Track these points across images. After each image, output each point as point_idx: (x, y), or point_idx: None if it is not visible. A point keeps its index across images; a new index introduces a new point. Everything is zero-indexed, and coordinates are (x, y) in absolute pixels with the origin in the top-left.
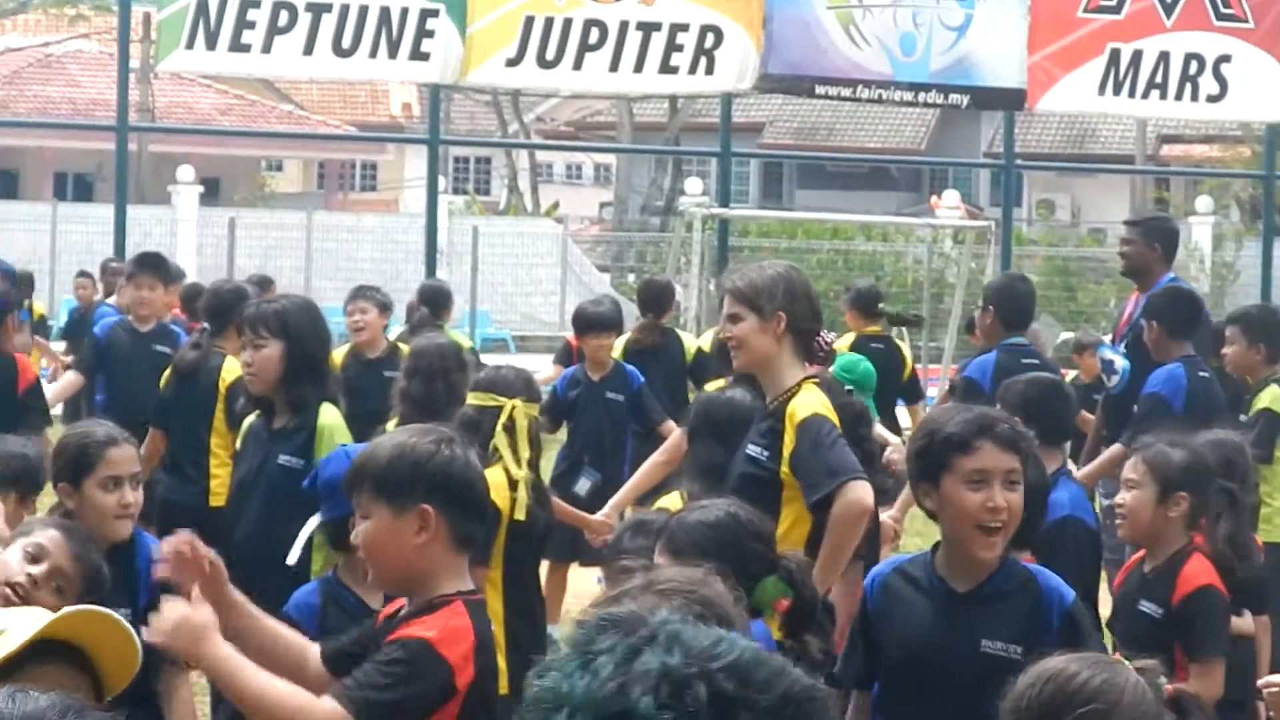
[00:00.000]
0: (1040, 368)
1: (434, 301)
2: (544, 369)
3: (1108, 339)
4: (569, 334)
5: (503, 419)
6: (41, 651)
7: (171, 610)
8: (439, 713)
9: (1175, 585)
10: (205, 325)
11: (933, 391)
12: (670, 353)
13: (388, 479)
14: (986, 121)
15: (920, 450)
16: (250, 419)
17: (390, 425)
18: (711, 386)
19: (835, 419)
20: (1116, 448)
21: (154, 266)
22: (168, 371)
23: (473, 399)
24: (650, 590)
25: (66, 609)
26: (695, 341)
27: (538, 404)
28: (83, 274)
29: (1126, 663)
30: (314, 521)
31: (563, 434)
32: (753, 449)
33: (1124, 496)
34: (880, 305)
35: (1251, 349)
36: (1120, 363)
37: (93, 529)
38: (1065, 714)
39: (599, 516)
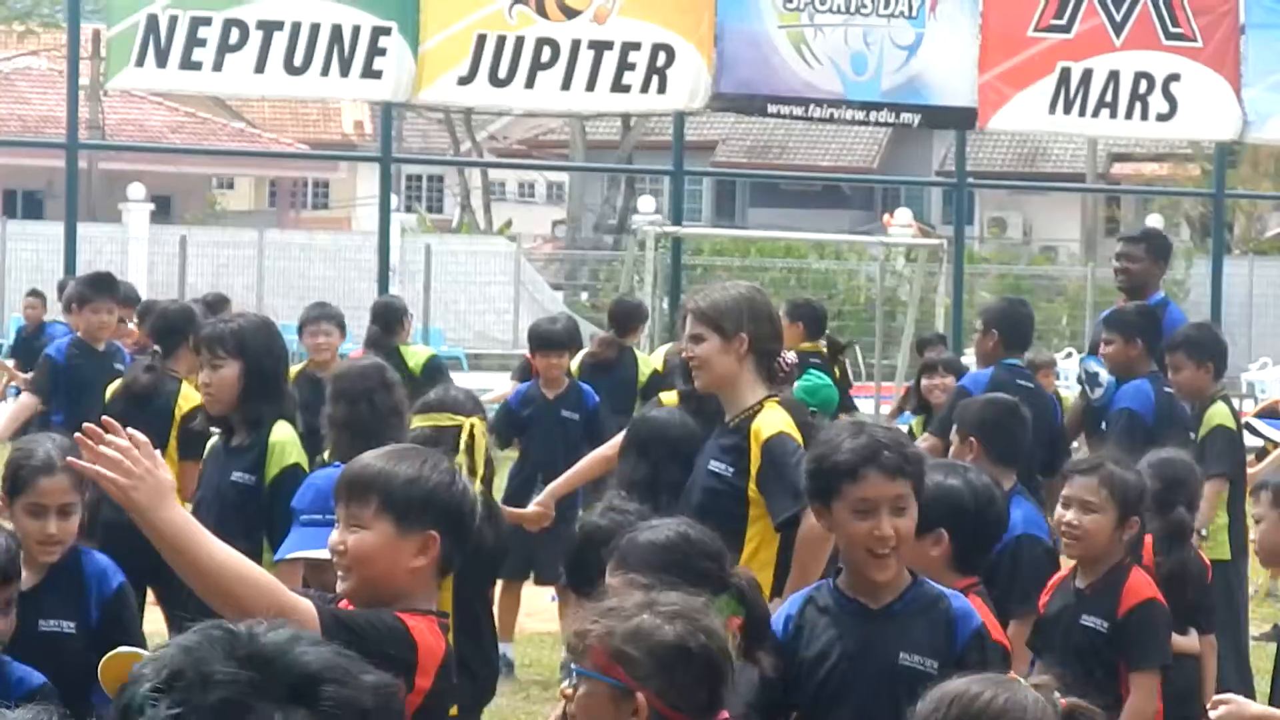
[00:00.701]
0: (1035, 391)
1: (384, 318)
2: (499, 386)
3: (1079, 353)
4: (525, 351)
5: (464, 437)
6: None
7: (136, 466)
8: None
9: (1120, 599)
10: (155, 348)
11: (886, 409)
12: (624, 370)
13: (401, 499)
14: (938, 140)
15: (811, 473)
16: (214, 440)
17: (327, 455)
18: (668, 399)
19: (800, 438)
20: None
21: (110, 288)
22: (113, 388)
23: (426, 420)
24: (653, 610)
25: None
26: (653, 363)
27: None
28: (33, 293)
29: (1022, 680)
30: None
31: (512, 452)
32: (716, 465)
33: (1080, 518)
34: (828, 333)
35: (1200, 370)
36: (1105, 375)
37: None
38: None
39: (533, 506)
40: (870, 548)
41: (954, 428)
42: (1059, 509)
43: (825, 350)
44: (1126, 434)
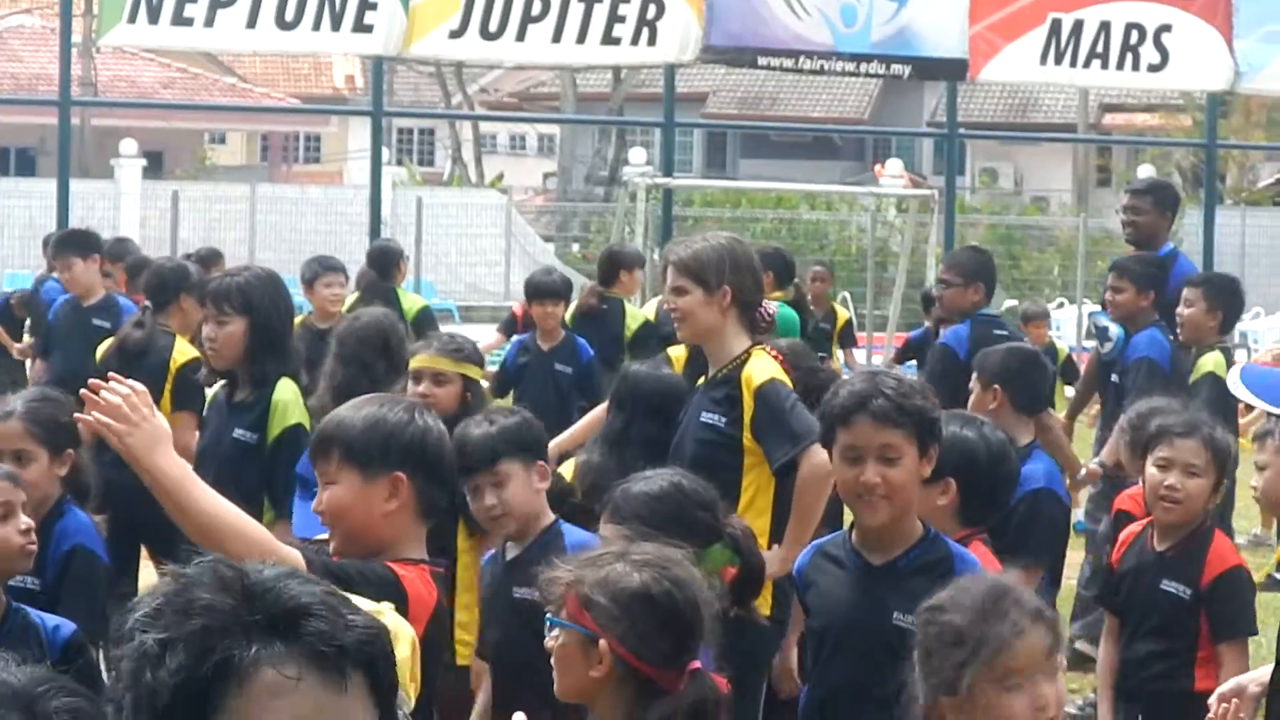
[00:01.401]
0: (1010, 339)
1: (380, 263)
2: (488, 338)
3: (1094, 307)
4: (514, 304)
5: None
6: None
7: (134, 414)
8: None
9: (1204, 565)
10: (147, 303)
11: (878, 359)
12: (611, 321)
13: (358, 445)
14: (929, 91)
15: (820, 414)
16: (215, 390)
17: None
18: (676, 355)
19: (790, 383)
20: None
21: (71, 244)
22: (106, 346)
23: (427, 362)
24: (625, 559)
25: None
26: (643, 314)
27: (483, 373)
28: None
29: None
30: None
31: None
32: (708, 416)
33: (1184, 482)
34: (795, 281)
35: (1210, 314)
36: (1115, 329)
37: None
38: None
39: None
40: (856, 494)
41: (974, 377)
42: (1153, 471)
43: (793, 299)
44: (1148, 383)
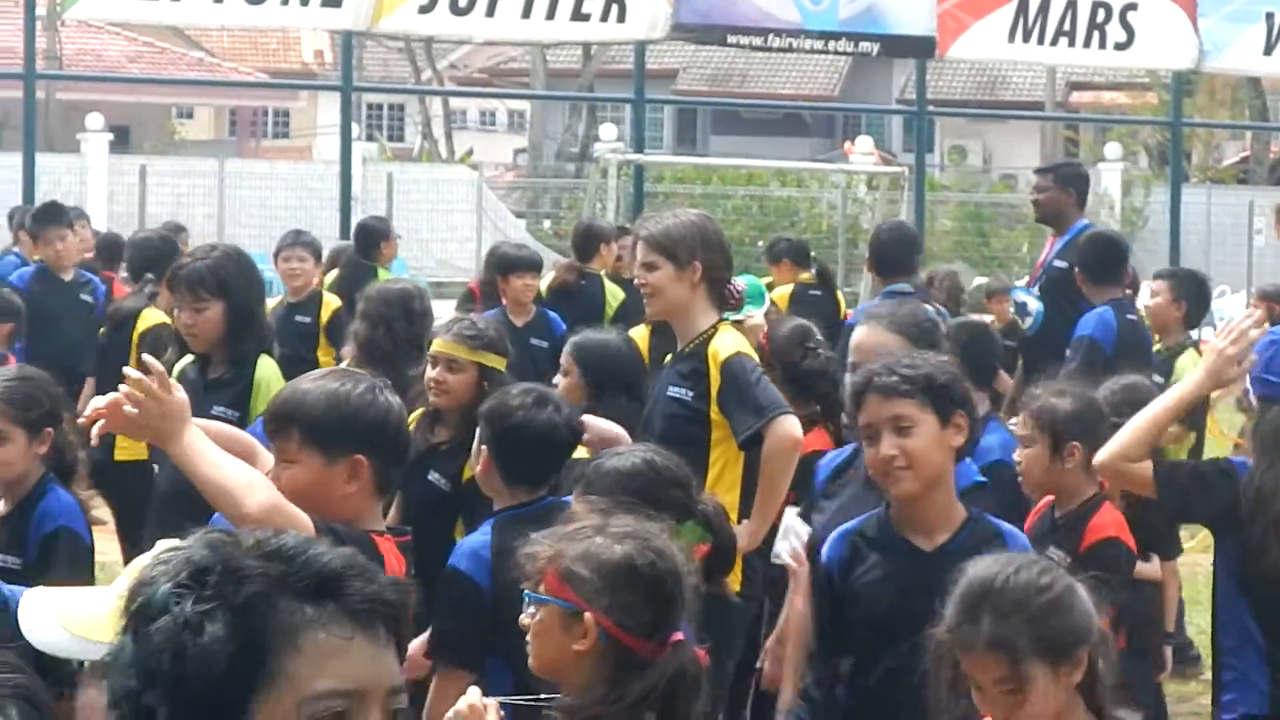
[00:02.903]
0: None
1: (360, 240)
2: (446, 315)
3: (1021, 282)
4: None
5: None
6: None
7: (149, 392)
8: None
9: (1083, 534)
10: (150, 276)
11: None
12: (589, 296)
13: (321, 427)
14: (899, 68)
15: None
16: (181, 365)
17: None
18: (638, 334)
19: (755, 357)
20: None
21: (56, 217)
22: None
23: (446, 348)
24: (605, 532)
25: None
26: (621, 293)
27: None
28: None
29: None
30: None
31: None
32: (675, 390)
33: (1019, 452)
34: (812, 255)
35: (1174, 305)
36: (1034, 304)
37: None
38: (1039, 603)
39: None
40: (882, 471)
41: None
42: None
43: (819, 279)
44: (1086, 362)
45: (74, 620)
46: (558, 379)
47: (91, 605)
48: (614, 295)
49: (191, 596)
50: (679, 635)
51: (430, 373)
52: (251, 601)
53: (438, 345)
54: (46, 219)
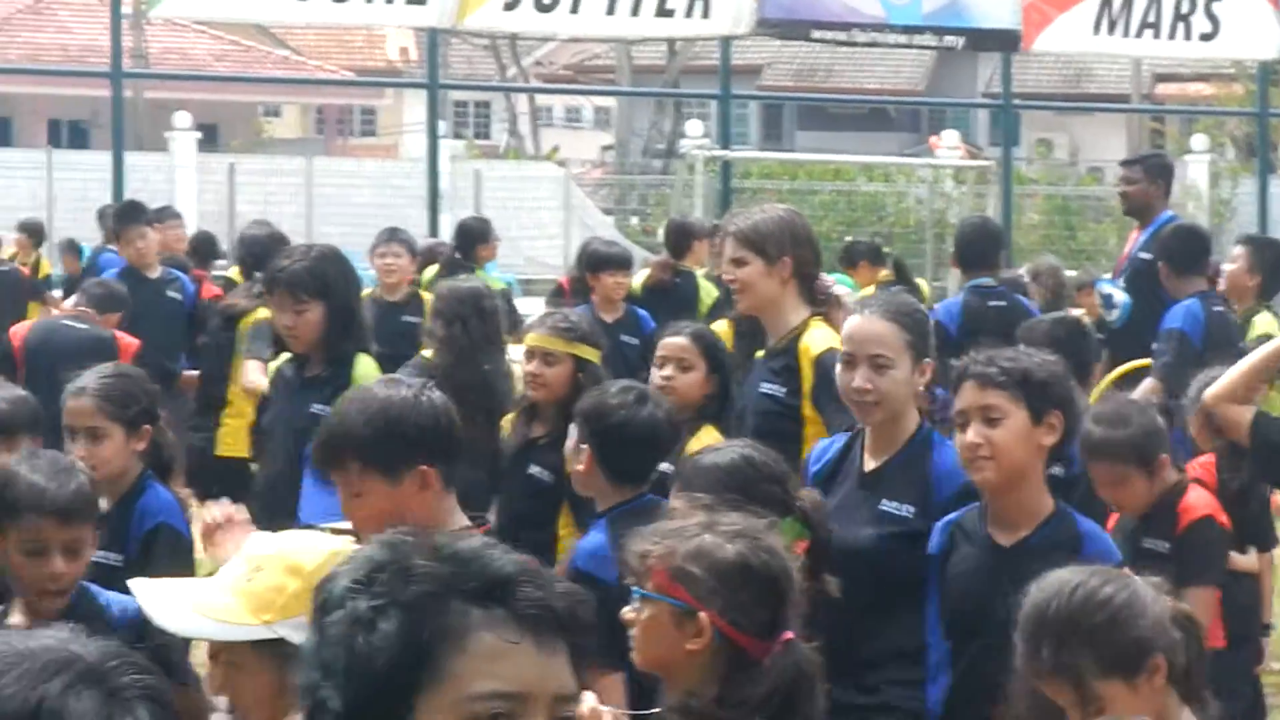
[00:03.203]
0: (1008, 308)
1: (459, 240)
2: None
3: (1107, 275)
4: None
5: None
6: None
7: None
8: None
9: (1177, 517)
10: (259, 275)
11: None
12: (684, 293)
13: (375, 449)
14: (984, 61)
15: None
16: (279, 362)
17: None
18: (720, 329)
19: None
20: (1150, 382)
21: (135, 216)
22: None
23: (541, 341)
24: (715, 530)
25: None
26: (715, 290)
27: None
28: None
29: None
30: None
31: None
32: (767, 387)
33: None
34: (885, 250)
35: (1250, 274)
36: (1119, 297)
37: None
38: (1095, 621)
39: None
40: (967, 458)
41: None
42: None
43: (895, 272)
44: (1177, 355)
45: (211, 607)
46: (665, 373)
47: (217, 592)
48: (708, 293)
49: (365, 594)
50: (790, 634)
51: (527, 366)
52: (420, 601)
53: (533, 339)
54: (126, 218)
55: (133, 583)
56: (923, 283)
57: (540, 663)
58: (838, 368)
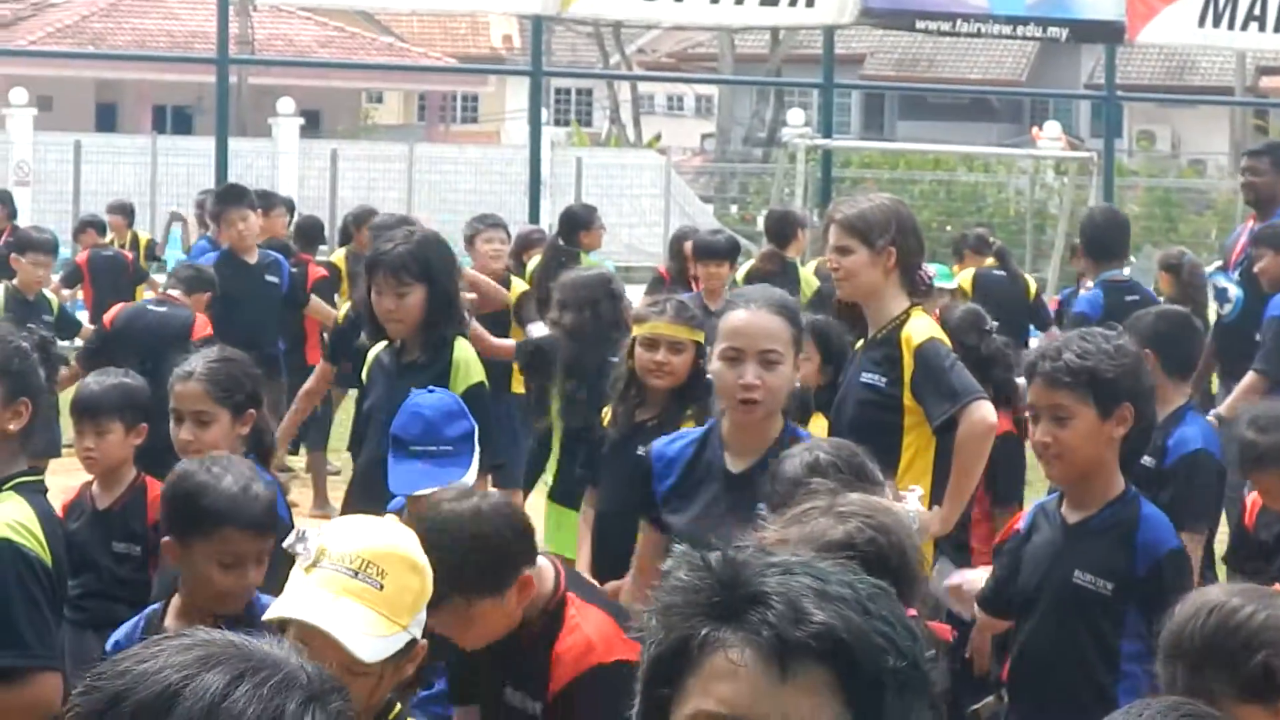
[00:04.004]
0: (1140, 303)
1: (563, 224)
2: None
3: (1211, 267)
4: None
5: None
6: None
7: None
8: None
9: None
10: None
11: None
12: (786, 284)
13: (483, 582)
14: (1087, 53)
15: None
16: (377, 350)
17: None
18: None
19: (949, 343)
20: (1252, 376)
21: (237, 199)
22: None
23: (644, 329)
24: (830, 513)
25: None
26: (815, 280)
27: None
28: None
29: None
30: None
31: None
32: (868, 377)
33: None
34: (990, 240)
35: None
36: (1234, 291)
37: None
38: (1230, 646)
39: None
40: (1037, 452)
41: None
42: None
43: (998, 260)
44: (1277, 345)
45: (368, 623)
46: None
47: (354, 606)
48: (809, 283)
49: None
50: (913, 611)
51: (655, 355)
52: (671, 616)
53: (664, 328)
54: (227, 200)
55: (312, 617)
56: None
57: (761, 689)
58: (716, 363)
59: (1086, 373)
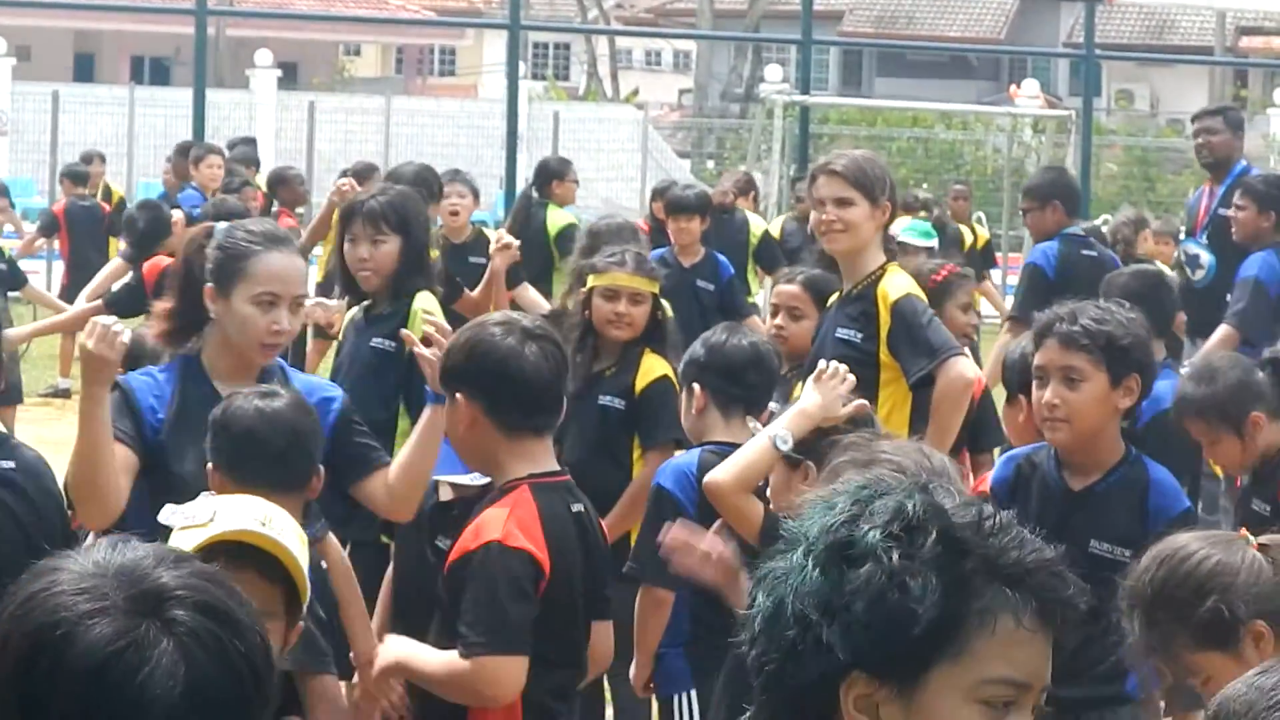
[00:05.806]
0: (1098, 259)
1: (536, 177)
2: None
3: (1181, 231)
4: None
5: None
6: (239, 554)
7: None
8: None
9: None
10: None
11: (1013, 280)
12: (733, 231)
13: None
14: (1066, 11)
15: None
16: (354, 311)
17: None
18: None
19: (925, 298)
20: (1225, 329)
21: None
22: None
23: (602, 280)
24: (876, 462)
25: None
26: (764, 225)
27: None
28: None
29: (1250, 538)
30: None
31: None
32: (843, 332)
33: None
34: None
35: (1261, 215)
36: (1206, 257)
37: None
38: (1180, 595)
39: None
40: (1041, 415)
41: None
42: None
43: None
44: (1252, 302)
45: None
46: (778, 321)
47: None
48: (757, 226)
49: (901, 552)
50: None
51: (616, 307)
52: (966, 577)
53: (621, 279)
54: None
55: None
56: (980, 229)
57: (1044, 654)
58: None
59: (1104, 337)
